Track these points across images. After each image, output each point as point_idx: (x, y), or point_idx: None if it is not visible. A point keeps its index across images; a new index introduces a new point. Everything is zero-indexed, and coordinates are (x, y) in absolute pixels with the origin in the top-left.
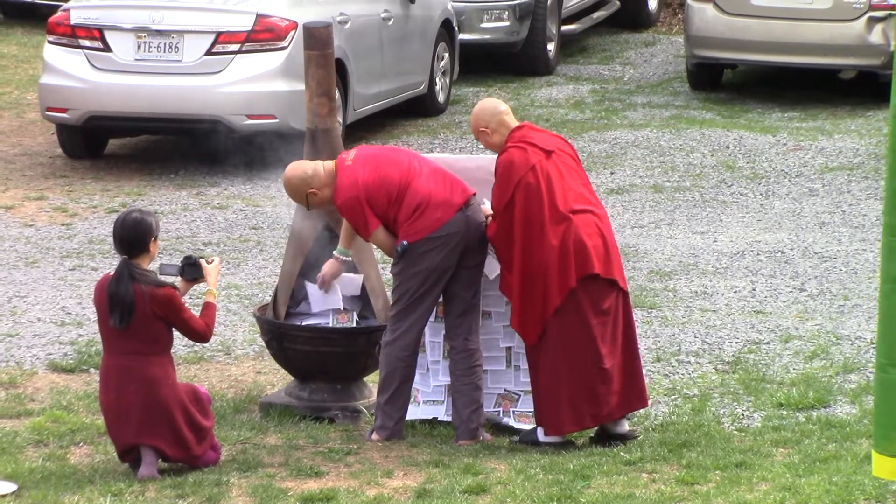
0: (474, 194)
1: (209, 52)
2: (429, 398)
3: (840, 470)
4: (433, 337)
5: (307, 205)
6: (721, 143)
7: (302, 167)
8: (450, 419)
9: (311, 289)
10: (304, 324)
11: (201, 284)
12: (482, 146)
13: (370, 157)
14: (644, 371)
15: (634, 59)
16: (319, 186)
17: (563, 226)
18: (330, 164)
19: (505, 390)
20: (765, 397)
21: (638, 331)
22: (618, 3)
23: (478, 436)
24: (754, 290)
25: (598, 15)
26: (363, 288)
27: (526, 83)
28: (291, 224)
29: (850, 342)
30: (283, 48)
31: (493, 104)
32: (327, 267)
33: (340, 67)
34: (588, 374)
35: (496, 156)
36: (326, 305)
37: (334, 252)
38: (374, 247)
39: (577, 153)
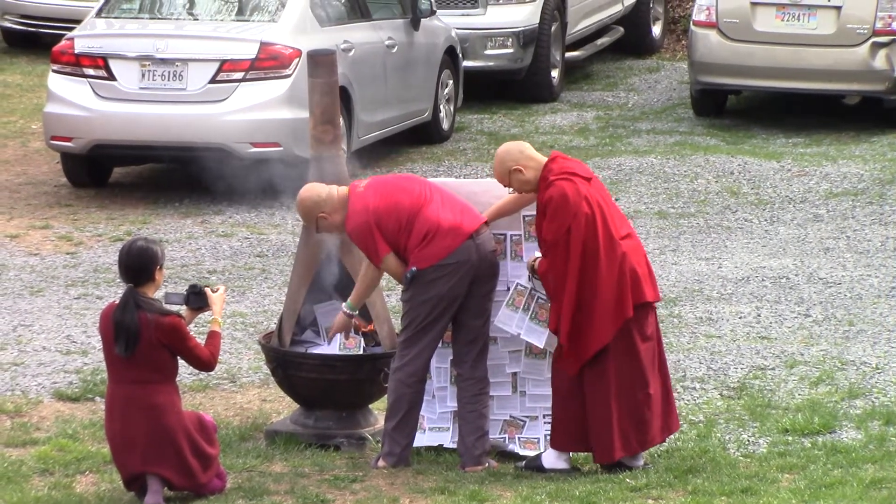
0: (486, 222)
1: (213, 81)
2: (434, 425)
3: (846, 496)
4: (440, 363)
5: (316, 228)
6: (725, 169)
7: (316, 190)
8: (455, 446)
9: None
10: (309, 351)
11: (207, 313)
12: (486, 172)
13: (382, 184)
14: None
15: (638, 86)
16: (330, 211)
17: (619, 255)
18: (344, 189)
19: (511, 416)
20: (770, 423)
21: None
22: (622, 29)
23: (483, 462)
24: (759, 315)
25: (602, 41)
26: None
27: (530, 110)
28: (297, 251)
29: (855, 367)
30: (288, 76)
31: (516, 144)
32: (337, 321)
33: (344, 95)
34: (636, 400)
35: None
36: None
37: (342, 305)
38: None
39: None
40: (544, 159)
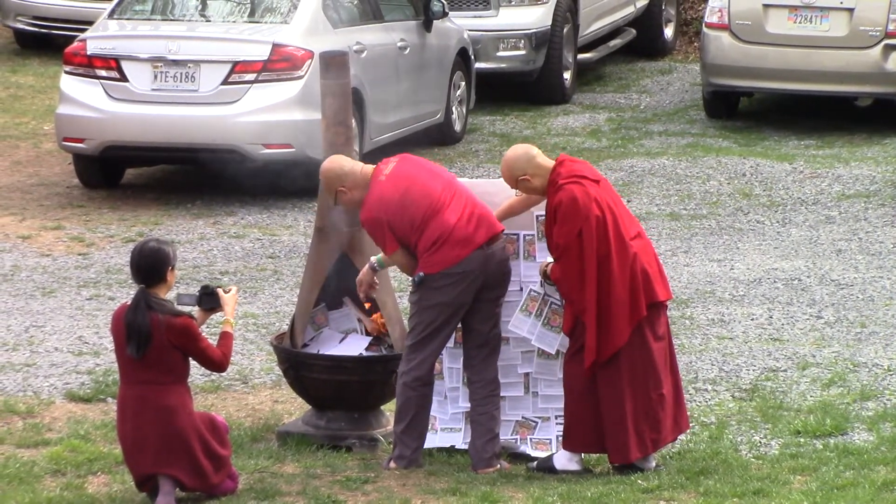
0: (502, 231)
1: (225, 82)
2: (447, 425)
3: (858, 497)
4: (452, 363)
5: (335, 201)
6: (737, 170)
7: (339, 163)
8: (467, 447)
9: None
10: (321, 352)
11: (219, 314)
12: (499, 174)
13: (405, 176)
14: None
15: (651, 88)
16: (351, 187)
17: (630, 256)
18: (368, 169)
19: (523, 417)
20: (782, 425)
21: None
22: (634, 31)
23: (493, 464)
24: (771, 317)
25: (615, 43)
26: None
27: (542, 112)
28: (309, 253)
29: (867, 369)
30: (300, 77)
31: (524, 150)
32: (362, 274)
33: (357, 96)
34: (650, 400)
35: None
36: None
37: (371, 258)
38: (391, 276)
39: None
40: (551, 164)
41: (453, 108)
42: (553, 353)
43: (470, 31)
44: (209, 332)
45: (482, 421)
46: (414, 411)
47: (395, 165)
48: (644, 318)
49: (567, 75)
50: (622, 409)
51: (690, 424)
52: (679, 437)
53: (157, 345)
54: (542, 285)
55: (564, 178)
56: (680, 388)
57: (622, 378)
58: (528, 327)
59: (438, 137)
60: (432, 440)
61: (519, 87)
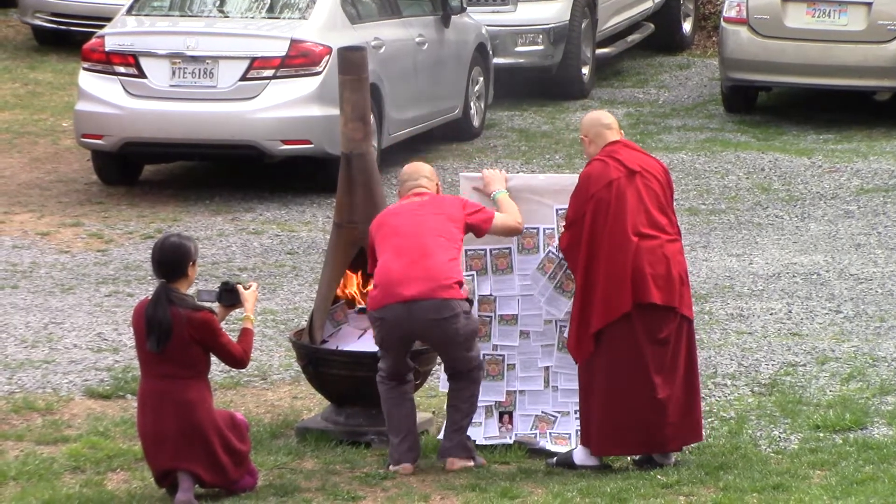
0: (445, 298)
1: (244, 78)
2: None
3: (877, 492)
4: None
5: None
6: (756, 165)
7: (599, 117)
8: (487, 443)
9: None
10: (340, 348)
11: (239, 310)
12: (517, 169)
13: (402, 226)
14: None
15: (669, 82)
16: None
17: (624, 249)
18: (612, 136)
19: (542, 412)
20: (801, 419)
21: None
22: (652, 26)
23: (448, 454)
24: (790, 312)
25: (633, 38)
26: None
27: (560, 107)
28: (328, 250)
29: (886, 364)
30: (318, 73)
31: (597, 115)
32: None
33: (375, 92)
34: (638, 402)
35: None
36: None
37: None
38: None
39: (669, 176)
40: (613, 138)
41: (471, 104)
42: (561, 317)
43: (488, 26)
44: (229, 329)
45: (449, 412)
46: (387, 407)
47: (411, 204)
48: (635, 317)
49: (585, 70)
50: (606, 404)
51: (704, 436)
52: (683, 447)
53: (177, 339)
54: (559, 250)
55: (601, 155)
56: (695, 397)
57: (601, 373)
58: (541, 288)
59: (456, 133)
60: None
61: (537, 83)
